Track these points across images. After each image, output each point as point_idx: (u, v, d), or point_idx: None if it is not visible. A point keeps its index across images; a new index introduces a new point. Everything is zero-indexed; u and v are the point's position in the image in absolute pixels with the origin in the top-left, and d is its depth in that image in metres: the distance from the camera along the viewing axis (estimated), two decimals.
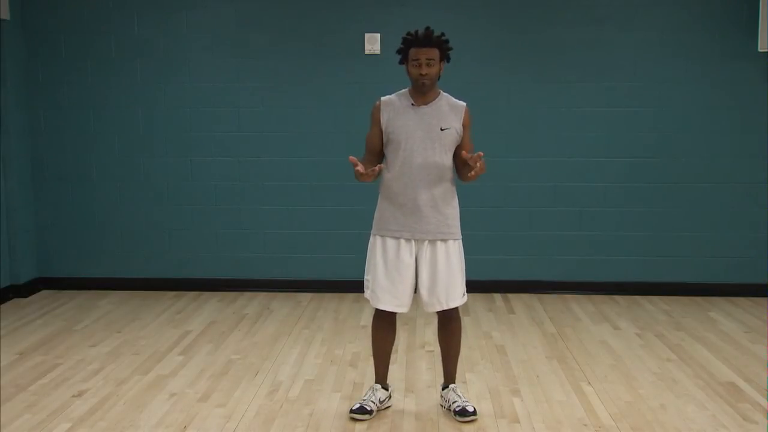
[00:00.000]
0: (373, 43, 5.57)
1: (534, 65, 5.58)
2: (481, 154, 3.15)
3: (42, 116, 5.74)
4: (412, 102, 3.32)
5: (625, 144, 5.60)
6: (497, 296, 5.66)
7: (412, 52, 3.25)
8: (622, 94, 5.57)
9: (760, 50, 5.26)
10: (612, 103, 5.58)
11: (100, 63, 5.68)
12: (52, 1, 5.64)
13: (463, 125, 3.34)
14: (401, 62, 3.33)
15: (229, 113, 5.70)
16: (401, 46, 3.30)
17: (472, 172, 3.19)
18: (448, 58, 3.32)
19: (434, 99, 3.34)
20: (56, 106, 5.73)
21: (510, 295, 5.69)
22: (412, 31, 3.26)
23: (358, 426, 3.35)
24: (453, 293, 3.35)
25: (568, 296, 5.66)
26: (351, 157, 3.18)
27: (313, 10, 5.60)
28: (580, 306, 5.41)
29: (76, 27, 5.65)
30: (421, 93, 3.30)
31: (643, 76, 5.55)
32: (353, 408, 3.43)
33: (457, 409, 3.40)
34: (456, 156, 3.36)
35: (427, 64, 3.22)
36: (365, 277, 3.42)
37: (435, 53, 3.24)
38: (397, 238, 3.34)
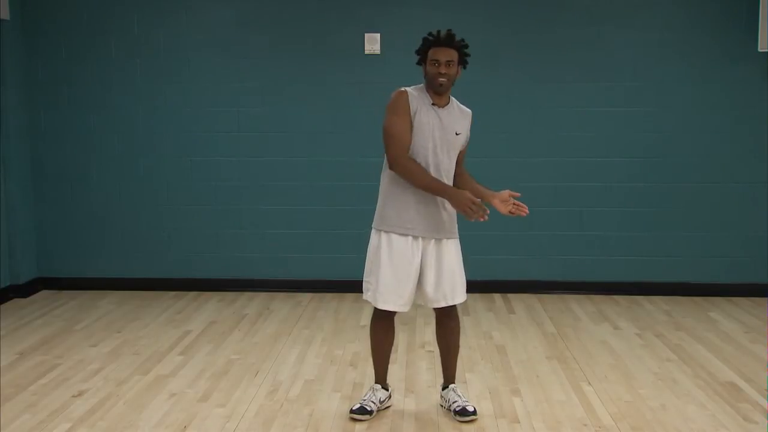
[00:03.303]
0: (373, 43, 5.57)
1: (534, 65, 5.58)
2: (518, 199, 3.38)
3: (42, 116, 5.74)
4: (432, 102, 3.32)
5: (625, 144, 5.61)
6: (497, 296, 5.66)
7: (432, 52, 3.24)
8: (622, 94, 5.57)
9: (760, 50, 5.26)
10: (612, 103, 5.58)
11: (100, 63, 5.68)
12: (52, 0, 5.64)
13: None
14: (419, 62, 3.31)
15: (229, 113, 5.70)
16: (421, 46, 3.28)
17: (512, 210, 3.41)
18: (465, 64, 3.32)
19: (448, 102, 3.34)
20: (56, 106, 5.72)
21: (510, 295, 5.69)
22: (434, 32, 3.26)
23: (358, 426, 3.35)
24: (457, 289, 3.37)
25: (568, 296, 5.66)
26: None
27: (313, 10, 5.60)
28: (580, 306, 5.41)
29: (76, 27, 5.65)
30: (438, 94, 3.28)
31: (643, 76, 5.55)
32: (353, 408, 3.43)
33: (457, 409, 3.41)
34: (457, 162, 3.41)
35: (447, 65, 3.22)
36: (365, 278, 3.38)
37: (455, 55, 3.24)
38: (405, 236, 3.31)
